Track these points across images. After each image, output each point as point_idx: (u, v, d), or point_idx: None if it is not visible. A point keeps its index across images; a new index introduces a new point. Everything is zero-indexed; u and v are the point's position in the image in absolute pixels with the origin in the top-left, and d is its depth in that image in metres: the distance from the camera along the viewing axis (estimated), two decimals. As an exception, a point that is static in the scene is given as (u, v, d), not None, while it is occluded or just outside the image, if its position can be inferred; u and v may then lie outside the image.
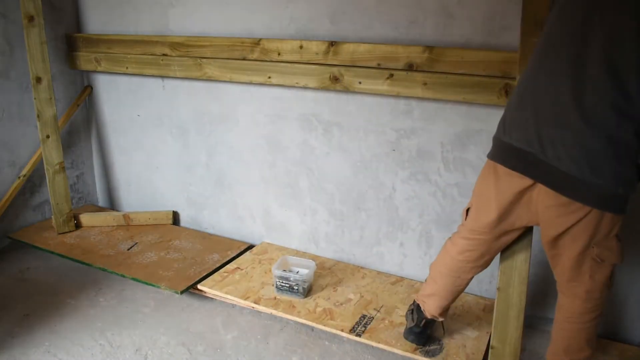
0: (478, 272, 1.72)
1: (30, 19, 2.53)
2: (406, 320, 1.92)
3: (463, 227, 1.68)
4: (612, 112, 1.31)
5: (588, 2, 1.37)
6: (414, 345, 1.88)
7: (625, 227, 1.50)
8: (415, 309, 1.87)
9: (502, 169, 1.50)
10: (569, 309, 1.57)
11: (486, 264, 1.69)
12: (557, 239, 1.49)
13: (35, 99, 2.60)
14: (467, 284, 1.74)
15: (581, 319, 1.55)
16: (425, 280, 1.86)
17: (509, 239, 1.62)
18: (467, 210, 1.64)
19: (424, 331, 1.86)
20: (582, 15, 1.36)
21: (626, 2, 1.30)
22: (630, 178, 1.36)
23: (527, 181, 1.45)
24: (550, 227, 1.48)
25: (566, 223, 1.43)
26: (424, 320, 1.85)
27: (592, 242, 1.42)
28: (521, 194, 1.48)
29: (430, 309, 1.81)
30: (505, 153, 1.49)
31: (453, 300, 1.80)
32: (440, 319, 1.85)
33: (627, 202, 1.39)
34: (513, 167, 1.47)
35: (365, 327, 1.99)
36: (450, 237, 1.75)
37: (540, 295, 2.09)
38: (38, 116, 2.62)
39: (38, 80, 2.59)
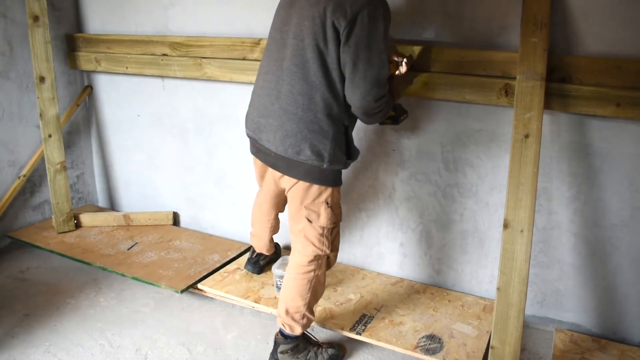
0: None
1: (35, 18, 2.54)
2: None
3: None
4: (302, 98, 1.61)
5: (284, 9, 1.71)
6: (414, 343, 1.89)
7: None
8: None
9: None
10: (291, 260, 1.84)
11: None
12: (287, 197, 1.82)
13: (38, 97, 2.60)
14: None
15: (298, 270, 1.80)
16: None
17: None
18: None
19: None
20: (281, 20, 1.70)
21: (307, 8, 1.59)
22: (330, 155, 1.64)
23: (260, 161, 1.85)
24: (282, 187, 1.83)
25: (287, 186, 1.76)
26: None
27: (302, 204, 1.73)
28: (263, 169, 1.89)
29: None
30: (250, 142, 1.86)
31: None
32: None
33: (331, 175, 1.69)
34: (251, 152, 1.87)
35: (366, 326, 1.99)
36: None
37: (540, 295, 2.09)
38: (41, 115, 2.62)
39: (41, 79, 2.60)
